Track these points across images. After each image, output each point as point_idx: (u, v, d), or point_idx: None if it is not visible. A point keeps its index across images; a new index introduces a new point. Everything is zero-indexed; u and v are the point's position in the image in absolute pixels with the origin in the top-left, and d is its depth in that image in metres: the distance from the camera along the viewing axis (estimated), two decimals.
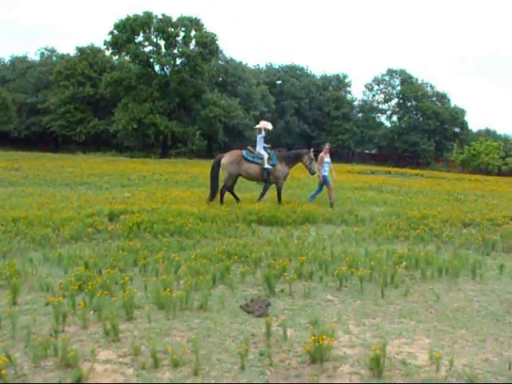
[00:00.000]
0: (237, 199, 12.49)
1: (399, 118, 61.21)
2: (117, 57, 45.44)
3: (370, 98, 62.79)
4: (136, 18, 41.68)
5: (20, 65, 56.61)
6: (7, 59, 60.53)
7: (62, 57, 54.20)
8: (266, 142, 12.88)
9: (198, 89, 43.23)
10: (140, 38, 43.02)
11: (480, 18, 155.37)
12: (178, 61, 43.65)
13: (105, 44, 42.68)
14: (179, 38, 43.50)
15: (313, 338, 3.99)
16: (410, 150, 57.95)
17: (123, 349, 4.08)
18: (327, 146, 13.63)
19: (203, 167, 24.60)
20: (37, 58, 59.05)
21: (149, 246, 7.49)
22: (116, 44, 42.01)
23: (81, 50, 50.10)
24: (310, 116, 59.83)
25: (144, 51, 42.76)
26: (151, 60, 43.00)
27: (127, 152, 46.70)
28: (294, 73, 60.91)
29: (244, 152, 12.47)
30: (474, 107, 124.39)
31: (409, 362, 3.97)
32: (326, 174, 12.89)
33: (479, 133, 62.94)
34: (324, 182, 12.90)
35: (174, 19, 43.11)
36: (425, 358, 4.03)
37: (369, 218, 10.87)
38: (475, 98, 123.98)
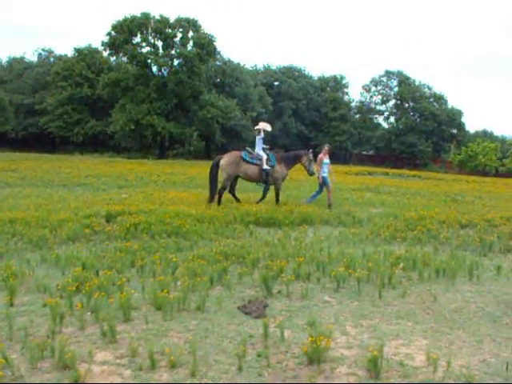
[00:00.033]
0: (237, 200, 12.50)
1: (397, 120, 61.21)
2: (114, 58, 45.40)
3: (367, 100, 62.80)
4: (133, 18, 41.61)
5: (17, 65, 56.44)
6: (4, 60, 60.33)
7: (60, 58, 54.06)
8: (264, 143, 12.91)
9: (195, 90, 43.18)
10: (137, 39, 42.91)
11: (480, 18, 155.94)
12: (176, 62, 43.56)
13: (102, 45, 42.58)
14: (177, 39, 43.40)
15: (310, 339, 4.00)
16: (407, 151, 58.00)
17: (120, 350, 4.08)
18: (326, 147, 13.62)
19: (201, 168, 24.61)
20: (34, 59, 58.97)
21: (146, 247, 7.49)
22: (113, 45, 41.91)
23: (78, 51, 49.97)
24: (308, 117, 59.84)
25: (141, 52, 42.65)
26: (149, 61, 42.90)
27: (125, 153, 46.61)
28: (291, 74, 60.86)
29: (243, 153, 12.50)
30: (472, 108, 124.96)
31: (406, 363, 3.98)
32: (325, 175, 12.88)
33: (476, 134, 63.03)
34: (323, 183, 12.91)
35: (172, 20, 43.03)
36: (422, 359, 4.04)
37: (366, 219, 10.88)
38: (473, 99, 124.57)
